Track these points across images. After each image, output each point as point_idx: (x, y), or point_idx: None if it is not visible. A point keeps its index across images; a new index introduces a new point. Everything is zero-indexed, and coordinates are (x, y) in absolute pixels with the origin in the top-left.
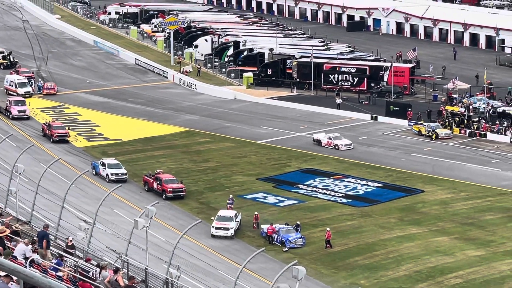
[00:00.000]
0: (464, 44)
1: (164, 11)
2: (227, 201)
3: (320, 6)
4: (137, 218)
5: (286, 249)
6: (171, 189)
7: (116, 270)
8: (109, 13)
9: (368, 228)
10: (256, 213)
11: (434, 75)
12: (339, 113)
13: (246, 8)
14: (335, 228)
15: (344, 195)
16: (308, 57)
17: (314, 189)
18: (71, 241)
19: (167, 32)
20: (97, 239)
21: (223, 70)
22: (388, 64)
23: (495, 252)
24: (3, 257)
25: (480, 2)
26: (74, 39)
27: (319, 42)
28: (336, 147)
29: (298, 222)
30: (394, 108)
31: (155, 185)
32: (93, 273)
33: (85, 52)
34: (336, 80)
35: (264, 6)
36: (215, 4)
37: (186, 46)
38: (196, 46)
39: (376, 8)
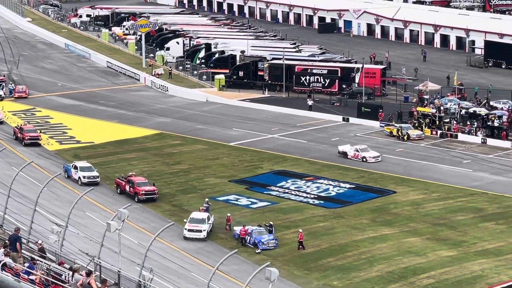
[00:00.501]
0: (435, 45)
1: (136, 13)
2: (204, 205)
3: (291, 8)
4: (109, 221)
5: (259, 250)
6: (143, 192)
7: (88, 273)
8: (80, 16)
9: (340, 229)
10: (228, 215)
11: (406, 76)
12: (311, 114)
13: (217, 10)
14: (308, 229)
15: (316, 196)
16: (279, 59)
17: (287, 190)
18: (40, 244)
19: (139, 35)
20: (70, 242)
21: (195, 72)
22: (360, 65)
23: (466, 252)
24: None
25: (451, 4)
26: (45, 42)
27: (291, 44)
28: (364, 159)
29: (271, 222)
30: (366, 109)
31: (127, 187)
32: (65, 276)
33: (57, 55)
34: (307, 81)
35: (235, 8)
36: (186, 6)
37: (157, 49)
38: (168, 49)
39: (347, 10)
